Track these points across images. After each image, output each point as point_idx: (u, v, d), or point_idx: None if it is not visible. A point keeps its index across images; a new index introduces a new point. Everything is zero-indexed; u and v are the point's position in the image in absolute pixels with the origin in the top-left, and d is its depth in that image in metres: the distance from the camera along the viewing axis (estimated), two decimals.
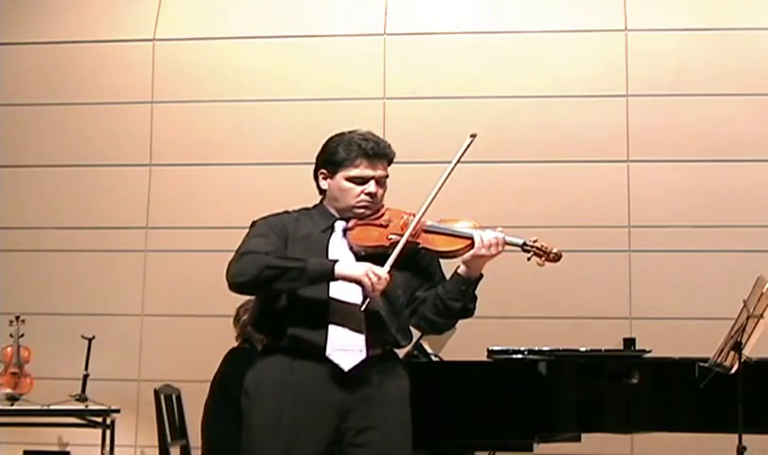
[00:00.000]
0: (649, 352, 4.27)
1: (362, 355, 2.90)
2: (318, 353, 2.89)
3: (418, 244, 2.97)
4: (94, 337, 5.51)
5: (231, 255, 2.97)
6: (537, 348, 4.12)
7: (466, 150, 3.00)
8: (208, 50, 6.26)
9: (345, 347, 2.90)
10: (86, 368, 5.44)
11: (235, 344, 4.80)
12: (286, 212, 3.12)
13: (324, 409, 2.90)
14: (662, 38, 6.00)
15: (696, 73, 5.94)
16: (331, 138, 3.10)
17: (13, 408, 5.26)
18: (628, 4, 6.03)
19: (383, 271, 2.84)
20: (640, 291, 5.75)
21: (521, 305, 5.67)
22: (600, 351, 4.27)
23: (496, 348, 4.07)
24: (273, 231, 2.99)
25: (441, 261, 3.09)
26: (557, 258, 2.96)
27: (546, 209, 5.71)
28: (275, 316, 2.96)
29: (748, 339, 3.87)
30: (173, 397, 5.20)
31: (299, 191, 5.92)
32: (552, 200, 5.82)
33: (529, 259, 2.97)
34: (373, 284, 2.81)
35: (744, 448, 3.78)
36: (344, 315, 2.91)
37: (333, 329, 2.90)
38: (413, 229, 2.94)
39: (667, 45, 5.99)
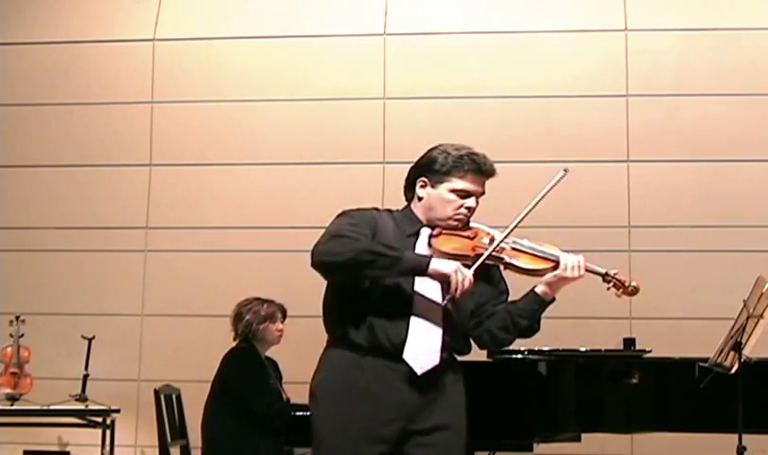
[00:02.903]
0: (649, 352, 4.28)
1: (436, 360, 2.91)
2: (393, 351, 2.88)
3: (503, 258, 2.98)
4: (94, 337, 5.52)
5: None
6: (537, 348, 4.12)
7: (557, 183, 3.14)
8: (208, 50, 6.26)
9: (421, 349, 2.89)
10: (86, 368, 5.45)
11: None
12: (375, 209, 3.09)
13: (393, 411, 2.88)
14: (662, 38, 6.00)
15: (696, 73, 5.93)
16: (435, 148, 3.06)
17: (13, 408, 5.27)
18: (628, 4, 6.03)
19: (470, 272, 2.85)
20: (640, 291, 5.73)
21: None
22: (600, 351, 4.27)
23: None
24: (364, 222, 2.97)
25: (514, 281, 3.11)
26: (635, 291, 3.07)
27: (546, 209, 5.67)
28: (355, 302, 2.92)
29: (748, 339, 3.86)
30: (173, 397, 5.20)
31: (299, 191, 5.99)
32: (552, 200, 5.78)
33: (608, 289, 3.07)
34: (459, 282, 2.81)
35: (744, 448, 3.78)
36: (426, 311, 2.91)
37: (414, 321, 2.90)
38: (499, 244, 2.96)
39: (667, 45, 5.99)
